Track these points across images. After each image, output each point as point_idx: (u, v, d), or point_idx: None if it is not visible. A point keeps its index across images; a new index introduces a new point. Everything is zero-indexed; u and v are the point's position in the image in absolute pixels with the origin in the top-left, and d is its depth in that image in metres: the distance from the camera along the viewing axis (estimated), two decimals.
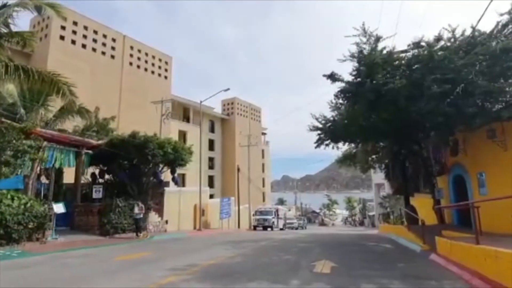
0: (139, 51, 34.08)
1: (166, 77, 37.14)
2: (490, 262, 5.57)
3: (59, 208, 11.58)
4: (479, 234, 6.54)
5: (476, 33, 11.19)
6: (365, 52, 11.06)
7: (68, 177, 16.74)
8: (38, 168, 13.67)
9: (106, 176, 17.93)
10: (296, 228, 37.44)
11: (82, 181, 16.34)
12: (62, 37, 26.75)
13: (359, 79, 10.99)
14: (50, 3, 11.47)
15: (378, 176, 37.47)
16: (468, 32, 11.33)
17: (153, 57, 35.79)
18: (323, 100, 25.22)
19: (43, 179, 15.71)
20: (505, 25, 11.25)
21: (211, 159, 49.12)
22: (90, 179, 17.69)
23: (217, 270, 6.96)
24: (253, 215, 32.33)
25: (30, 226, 10.29)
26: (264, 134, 61.97)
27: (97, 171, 17.88)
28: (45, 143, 12.35)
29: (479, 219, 7.34)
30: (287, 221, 39.64)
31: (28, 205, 10.45)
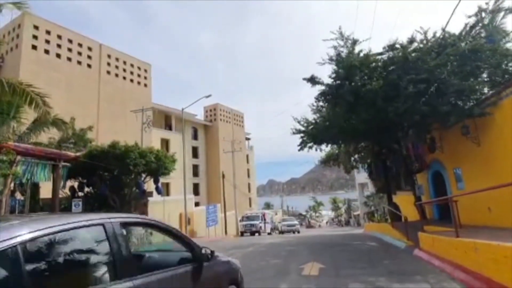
0: (117, 59, 33.38)
1: (146, 85, 36.52)
2: (470, 254, 5.75)
3: None
4: (458, 227, 6.76)
5: (446, 35, 11.73)
6: (343, 55, 11.33)
7: (45, 192, 16.02)
8: (12, 184, 13.00)
9: (86, 189, 17.29)
10: (299, 232, 31.94)
11: (60, 196, 15.67)
12: (34, 47, 25.80)
13: (338, 82, 11.22)
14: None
15: (361, 176, 38.24)
16: (439, 33, 11.87)
17: (132, 65, 35.14)
18: (305, 103, 25.64)
19: (18, 196, 14.97)
20: (472, 27, 11.87)
21: (195, 167, 48.52)
22: (69, 193, 17.02)
23: None
24: (240, 221, 32.09)
25: None
26: (248, 139, 61.98)
27: (76, 184, 17.23)
28: (18, 157, 11.75)
29: (458, 213, 7.59)
30: (286, 223, 34.67)
31: None
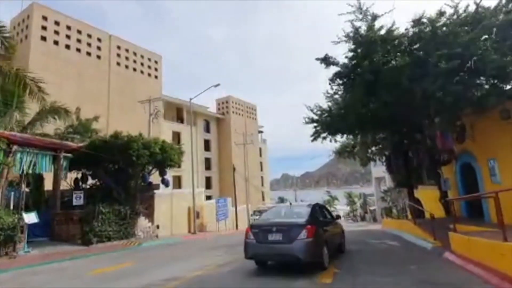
0: (127, 50, 32.94)
1: (156, 77, 36.04)
2: None
3: (30, 218, 10.48)
4: (505, 229, 5.55)
5: (480, 9, 10.24)
6: (361, 31, 10.02)
7: (49, 183, 15.64)
8: (18, 176, 12.59)
9: (90, 181, 16.83)
10: None
11: (64, 187, 15.23)
12: (43, 38, 25.59)
13: (355, 61, 9.96)
14: None
15: (378, 169, 36.53)
16: (471, 8, 10.39)
17: (142, 56, 34.65)
18: (320, 94, 24.15)
19: (23, 187, 14.61)
20: None
21: (207, 160, 48.01)
22: (73, 185, 16.60)
23: (202, 284, 5.95)
24: (252, 215, 31.33)
25: None
26: (260, 132, 60.90)
27: (80, 176, 16.79)
28: (15, 147, 11.25)
29: (499, 211, 6.34)
30: None
31: None
